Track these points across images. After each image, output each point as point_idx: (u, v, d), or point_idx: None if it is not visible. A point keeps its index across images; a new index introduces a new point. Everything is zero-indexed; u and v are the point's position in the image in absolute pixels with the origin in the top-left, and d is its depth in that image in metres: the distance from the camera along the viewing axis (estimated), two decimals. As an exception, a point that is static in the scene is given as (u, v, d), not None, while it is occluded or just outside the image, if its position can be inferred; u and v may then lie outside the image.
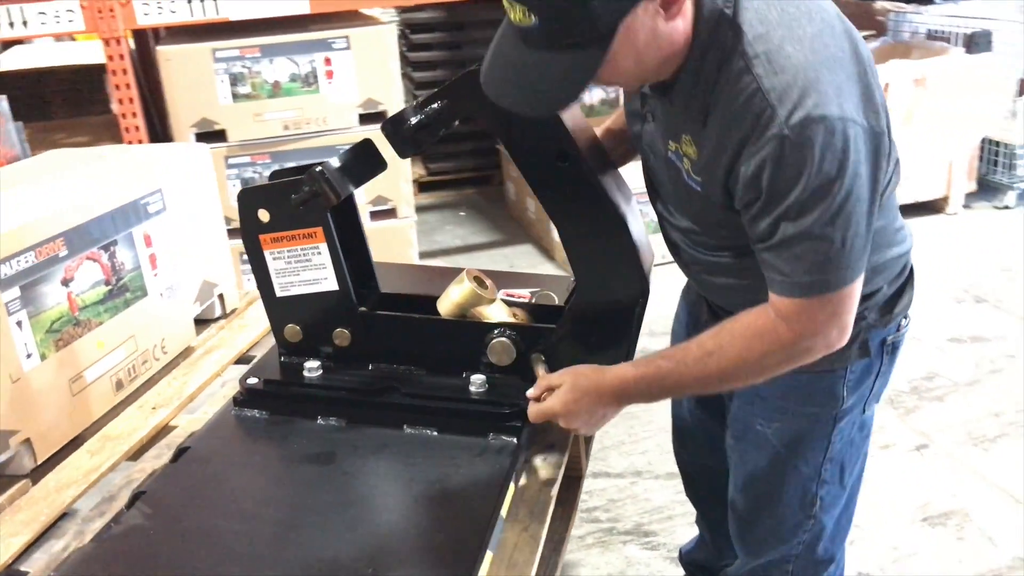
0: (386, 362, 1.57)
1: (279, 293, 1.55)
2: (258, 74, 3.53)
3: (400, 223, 3.94)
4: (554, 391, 1.39)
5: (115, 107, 3.53)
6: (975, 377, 3.09)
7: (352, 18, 3.88)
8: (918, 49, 4.74)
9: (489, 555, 1.20)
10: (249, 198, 1.50)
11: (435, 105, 1.40)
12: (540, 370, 1.46)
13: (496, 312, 1.55)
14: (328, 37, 3.59)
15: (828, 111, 1.11)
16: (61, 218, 1.59)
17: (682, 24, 1.16)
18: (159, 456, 1.57)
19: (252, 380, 1.55)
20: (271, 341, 2.00)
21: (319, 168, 1.43)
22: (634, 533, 2.45)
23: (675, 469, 1.97)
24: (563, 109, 1.36)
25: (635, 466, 2.72)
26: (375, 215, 3.89)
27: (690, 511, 2.20)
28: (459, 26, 5.34)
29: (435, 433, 1.47)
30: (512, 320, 1.55)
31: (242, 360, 1.96)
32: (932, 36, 5.02)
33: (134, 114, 3.41)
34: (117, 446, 1.61)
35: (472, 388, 1.49)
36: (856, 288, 1.22)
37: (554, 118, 1.39)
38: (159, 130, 3.76)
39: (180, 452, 1.44)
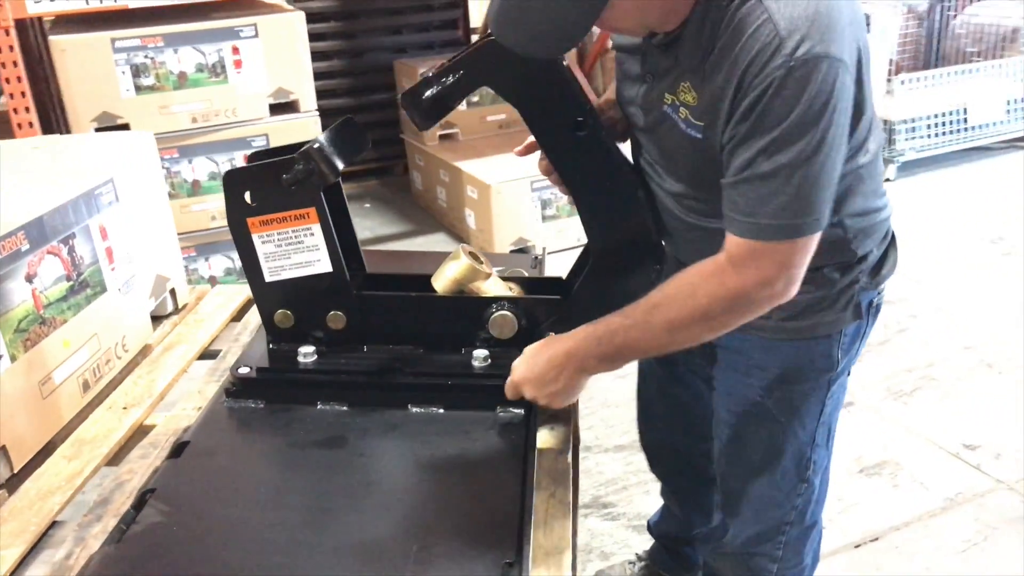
0: (382, 343, 1.54)
1: (268, 278, 1.49)
2: (162, 64, 3.38)
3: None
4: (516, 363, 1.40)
5: (4, 100, 3.31)
6: (885, 337, 3.29)
7: (257, 5, 3.76)
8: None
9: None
10: (236, 180, 1.44)
11: (451, 77, 1.39)
12: None
13: (492, 286, 1.55)
14: (235, 25, 3.47)
15: (830, 50, 1.14)
16: (19, 211, 1.49)
17: None
18: (145, 456, 1.49)
19: (244, 369, 1.50)
20: (232, 334, 1.95)
21: (316, 145, 1.39)
22: (593, 506, 2.49)
23: (622, 442, 2.02)
24: (562, 51, 1.36)
25: (584, 441, 2.76)
26: (289, 208, 3.79)
27: (644, 481, 2.27)
28: (353, 15, 5.26)
29: (441, 411, 1.46)
30: (510, 293, 1.55)
31: (206, 355, 1.89)
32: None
33: (27, 108, 3.21)
34: (95, 449, 1.52)
35: (475, 363, 1.49)
36: (812, 242, 1.23)
37: (572, 88, 1.40)
38: (56, 125, 3.54)
39: (180, 447, 1.38)
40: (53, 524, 1.36)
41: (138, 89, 3.37)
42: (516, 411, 1.44)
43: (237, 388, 1.49)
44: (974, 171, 5.11)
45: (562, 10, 1.16)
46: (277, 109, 3.65)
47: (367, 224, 4.89)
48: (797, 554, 1.67)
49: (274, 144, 3.56)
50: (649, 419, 1.92)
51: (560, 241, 4.28)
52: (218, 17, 3.48)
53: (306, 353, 1.51)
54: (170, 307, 2.02)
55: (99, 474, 1.50)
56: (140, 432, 1.60)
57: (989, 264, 3.89)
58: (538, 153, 1.54)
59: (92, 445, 1.54)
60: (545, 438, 1.45)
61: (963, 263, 3.90)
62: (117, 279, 1.75)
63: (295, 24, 3.60)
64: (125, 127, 3.34)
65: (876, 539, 2.30)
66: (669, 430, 1.87)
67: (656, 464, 1.99)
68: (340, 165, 1.42)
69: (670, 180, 1.45)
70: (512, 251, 4.24)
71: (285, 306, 1.51)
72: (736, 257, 1.24)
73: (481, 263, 1.54)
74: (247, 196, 1.44)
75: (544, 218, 4.25)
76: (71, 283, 1.60)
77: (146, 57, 3.35)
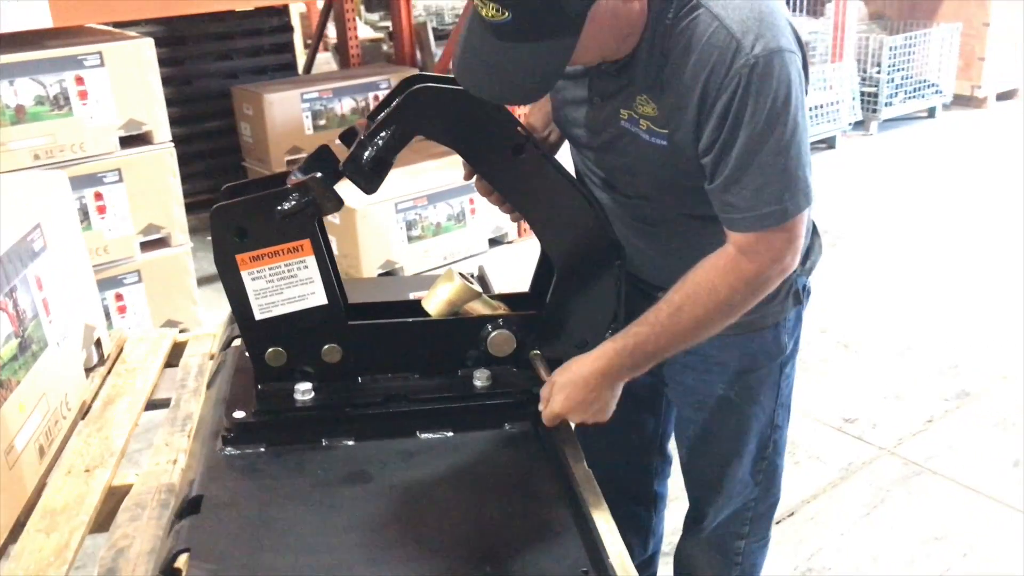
0: (377, 372, 1.51)
1: (259, 316, 1.43)
2: (-4, 98, 3.10)
3: (175, 252, 3.65)
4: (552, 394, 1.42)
5: None
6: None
7: (100, 33, 3.52)
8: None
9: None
10: (225, 216, 1.37)
11: (384, 134, 1.36)
12: (541, 370, 1.49)
13: (482, 306, 1.56)
14: (79, 54, 3.25)
15: (782, 44, 1.24)
16: (-36, 264, 1.35)
17: (638, 3, 1.25)
18: (135, 518, 1.39)
19: (239, 414, 1.42)
20: (175, 382, 1.84)
21: (318, 175, 1.35)
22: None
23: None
24: (539, 97, 1.41)
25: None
26: (145, 246, 3.57)
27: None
28: (181, 41, 5.01)
29: (451, 434, 1.45)
30: (499, 312, 1.56)
31: (153, 406, 1.77)
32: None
33: None
34: (72, 519, 1.40)
35: (477, 383, 1.49)
36: (807, 213, 1.32)
37: (504, 116, 1.43)
38: None
39: (193, 503, 1.29)
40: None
41: (-30, 126, 3.07)
42: (524, 425, 1.47)
43: (235, 434, 1.41)
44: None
45: (536, 58, 1.20)
46: (129, 141, 3.44)
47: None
48: (762, 527, 1.79)
49: (129, 179, 3.40)
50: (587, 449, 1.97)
51: (426, 262, 4.29)
52: (58, 45, 3.23)
53: (303, 390, 1.45)
54: (95, 358, 1.87)
55: (84, 545, 1.38)
56: (111, 494, 1.49)
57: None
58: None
59: (67, 515, 1.41)
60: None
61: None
62: (55, 333, 1.61)
63: (143, 51, 3.42)
64: (-43, 168, 3.03)
65: (792, 514, 2.49)
66: (608, 454, 1.93)
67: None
68: (342, 195, 1.38)
69: (624, 190, 1.50)
70: (380, 274, 4.20)
71: (278, 343, 1.45)
72: (746, 247, 1.32)
73: (472, 283, 1.54)
74: (238, 232, 1.37)
75: (410, 239, 4.24)
76: (19, 339, 1.46)
77: (-22, 90, 3.06)
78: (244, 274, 1.40)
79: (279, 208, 1.37)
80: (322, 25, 6.01)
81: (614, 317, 1.53)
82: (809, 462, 2.71)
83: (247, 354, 1.59)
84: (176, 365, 1.94)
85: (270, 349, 1.45)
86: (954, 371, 3.20)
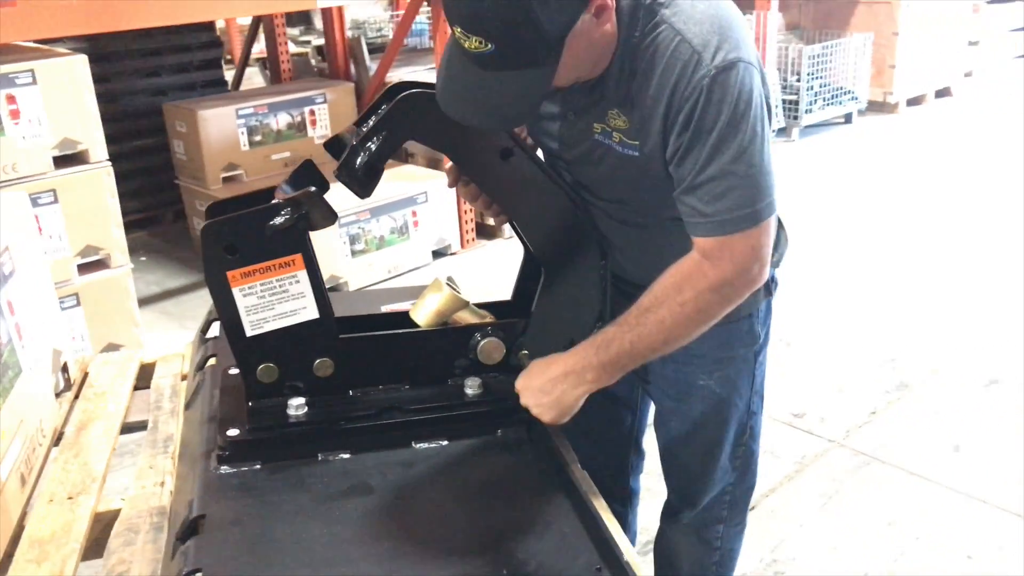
0: (368, 385, 1.51)
1: (250, 332, 1.42)
2: (-78, 119, 2.98)
3: (115, 273, 3.55)
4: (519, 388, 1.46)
5: None
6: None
7: (30, 51, 3.42)
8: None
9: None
10: (216, 233, 1.36)
11: (376, 139, 1.38)
12: None
13: (469, 315, 1.57)
14: (9, 72, 3.15)
15: (740, 55, 1.30)
16: (-57, 289, 1.31)
17: (610, 26, 1.30)
18: (130, 543, 1.37)
19: (233, 432, 1.41)
20: (148, 404, 1.80)
21: (312, 189, 1.36)
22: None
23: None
24: (524, 122, 1.45)
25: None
26: (83, 268, 3.47)
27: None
28: (106, 58, 4.88)
29: (446, 442, 1.47)
30: (486, 320, 1.58)
31: (127, 429, 1.73)
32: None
33: None
34: (62, 548, 1.37)
35: (469, 391, 1.51)
36: (772, 224, 1.36)
37: None
38: None
39: (193, 524, 1.27)
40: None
41: None
42: (517, 430, 1.49)
43: (230, 453, 1.40)
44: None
45: (519, 86, 1.24)
46: (63, 161, 3.34)
47: (151, 279, 4.56)
48: (739, 512, 1.85)
49: (64, 199, 3.30)
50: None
51: (370, 275, 4.28)
52: (-14, 63, 3.12)
53: (297, 405, 1.45)
54: (61, 383, 1.82)
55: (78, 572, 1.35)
56: (98, 520, 1.46)
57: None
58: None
59: (55, 543, 1.38)
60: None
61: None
62: (28, 358, 1.57)
63: (77, 68, 3.33)
64: None
65: (753, 508, 2.55)
66: (587, 451, 1.96)
67: None
68: (335, 209, 1.39)
69: (602, 195, 1.54)
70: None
71: (269, 359, 1.44)
72: (709, 252, 1.36)
73: (459, 292, 1.56)
74: (229, 248, 1.36)
75: (353, 253, 4.21)
76: (-3, 366, 1.42)
77: (-98, 111, 2.93)
78: (235, 291, 1.40)
79: (271, 223, 1.37)
80: (250, 40, 5.94)
81: (600, 316, 1.57)
82: (764, 457, 2.78)
83: (230, 372, 1.59)
84: (145, 387, 1.90)
85: (262, 365, 1.45)
86: (891, 365, 3.34)
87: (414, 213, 4.39)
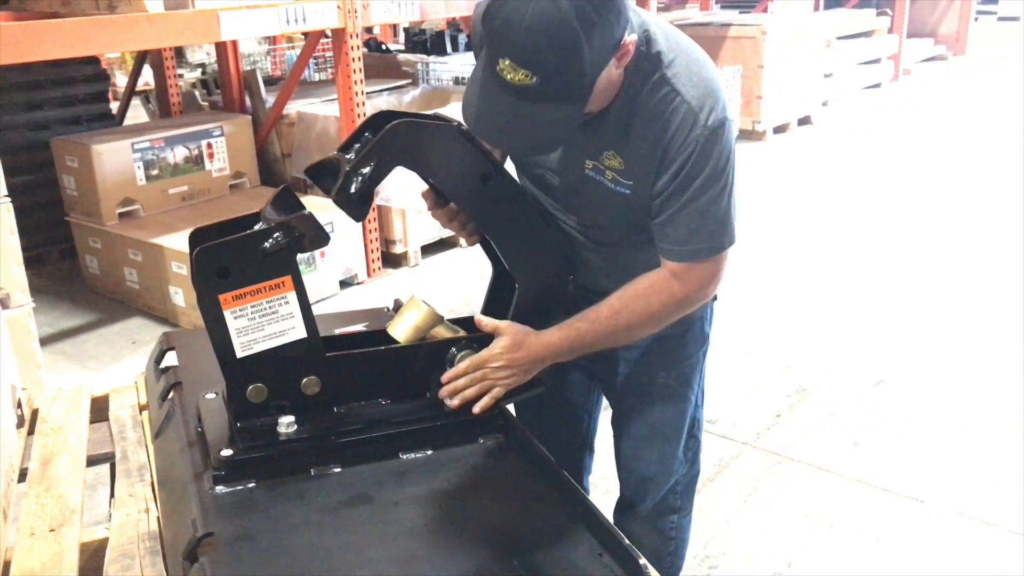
0: (353, 400, 1.57)
1: (240, 353, 1.45)
2: None
3: (15, 313, 3.41)
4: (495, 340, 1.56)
5: None
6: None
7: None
8: (455, 94, 5.48)
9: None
10: (210, 257, 1.39)
11: (368, 167, 1.45)
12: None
13: (445, 330, 1.65)
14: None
15: (726, 115, 1.49)
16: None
17: (620, 70, 1.45)
18: (128, 568, 1.37)
19: (227, 452, 1.44)
20: (110, 434, 1.79)
21: (307, 212, 1.41)
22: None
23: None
24: (555, 149, 1.58)
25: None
26: (-20, 308, 3.32)
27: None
28: (-16, 91, 4.69)
29: (431, 452, 1.54)
30: (460, 335, 1.66)
31: (93, 461, 1.71)
32: (458, 81, 5.83)
33: None
34: (56, 578, 1.35)
35: (448, 402, 1.58)
36: (729, 252, 1.58)
37: (475, 148, 1.56)
38: None
39: (198, 543, 1.29)
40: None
41: None
42: (496, 437, 1.58)
43: (226, 473, 1.42)
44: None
45: (550, 119, 1.36)
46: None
47: (42, 320, 4.35)
48: (689, 500, 1.99)
49: None
50: None
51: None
52: None
53: (287, 423, 1.49)
54: (15, 419, 1.78)
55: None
56: (83, 550, 1.45)
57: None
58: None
59: (48, 575, 1.36)
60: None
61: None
62: (-6, 391, 1.54)
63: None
64: None
65: (682, 509, 2.71)
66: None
67: None
68: (328, 231, 1.44)
69: (582, 220, 1.69)
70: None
71: (258, 379, 1.48)
72: (678, 274, 1.55)
73: (433, 308, 1.64)
74: (221, 272, 1.40)
75: (262, 286, 4.17)
76: (-23, 399, 1.40)
77: None
78: (227, 313, 1.43)
79: (263, 247, 1.41)
80: (136, 74, 5.80)
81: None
82: (712, 440, 2.96)
83: (206, 396, 1.61)
84: (98, 420, 1.88)
85: (251, 386, 1.48)
86: (788, 371, 3.59)
87: (321, 244, 4.39)
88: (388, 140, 1.45)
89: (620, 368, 1.85)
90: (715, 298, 1.82)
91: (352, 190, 1.42)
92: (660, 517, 1.95)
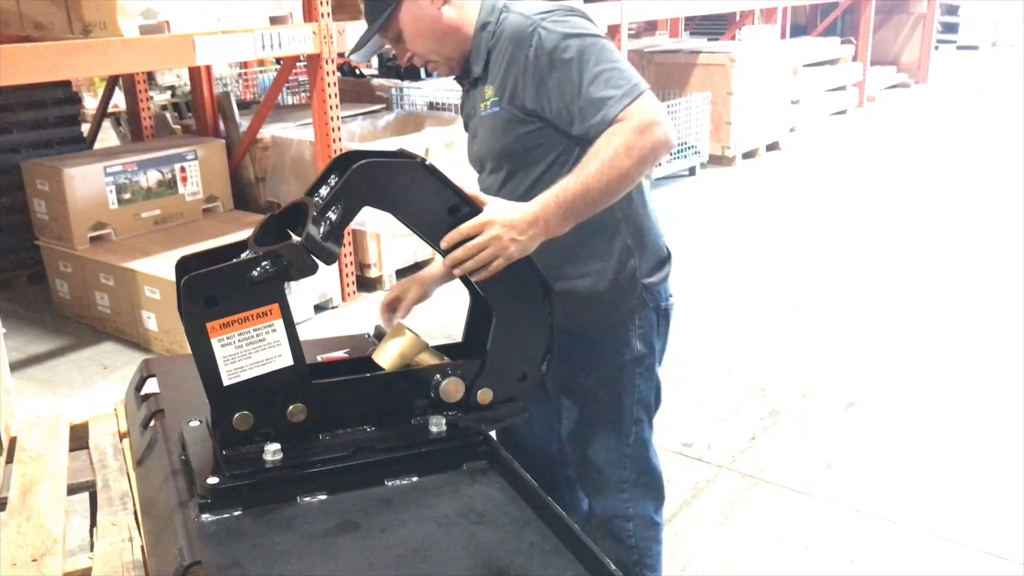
0: (338, 427, 1.57)
1: (227, 381, 1.45)
2: None
3: (-16, 339, 3.36)
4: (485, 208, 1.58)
5: None
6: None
7: None
8: (429, 119, 5.51)
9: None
10: (198, 286, 1.40)
11: (334, 210, 1.48)
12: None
13: (430, 356, 1.66)
14: None
15: (556, 7, 1.73)
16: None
17: (449, 15, 1.75)
18: (113, 598, 1.36)
19: (213, 480, 1.43)
20: (90, 463, 1.78)
21: (295, 241, 1.42)
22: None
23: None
24: (359, 54, 1.90)
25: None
26: (-51, 335, 3.27)
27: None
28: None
29: (416, 478, 1.54)
30: (444, 361, 1.67)
31: (75, 490, 1.70)
32: (432, 106, 5.87)
33: None
34: (40, 609, 1.34)
35: (434, 429, 1.59)
36: (651, 95, 1.64)
37: (440, 181, 1.57)
38: None
39: (185, 572, 1.28)
40: None
41: None
42: (480, 462, 1.59)
43: (212, 500, 1.42)
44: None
45: (368, 33, 1.83)
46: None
47: (11, 344, 4.30)
48: (645, 512, 2.02)
49: None
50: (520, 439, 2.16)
51: (253, 332, 4.22)
52: None
53: (273, 451, 1.48)
54: (-7, 448, 1.77)
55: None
56: (68, 581, 1.44)
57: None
58: None
59: (32, 606, 1.35)
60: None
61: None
62: (-25, 420, 1.53)
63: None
64: None
65: (660, 531, 2.73)
66: (541, 445, 2.13)
67: None
68: (318, 260, 1.45)
69: (496, 169, 1.84)
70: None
71: (244, 407, 1.48)
72: (625, 116, 1.61)
73: (418, 335, 1.65)
74: (209, 301, 1.40)
75: (236, 310, 4.15)
76: (-41, 428, 1.39)
77: None
78: (214, 341, 1.43)
79: (252, 275, 1.42)
80: (107, 97, 5.78)
81: (548, 348, 1.70)
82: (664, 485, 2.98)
83: (190, 424, 1.61)
84: (77, 448, 1.86)
85: (237, 414, 1.48)
86: (763, 393, 3.64)
87: (296, 268, 4.38)
88: (354, 182, 1.47)
89: (557, 367, 1.86)
90: (646, 304, 1.87)
91: (319, 236, 1.43)
92: (610, 519, 2.01)
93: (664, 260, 1.93)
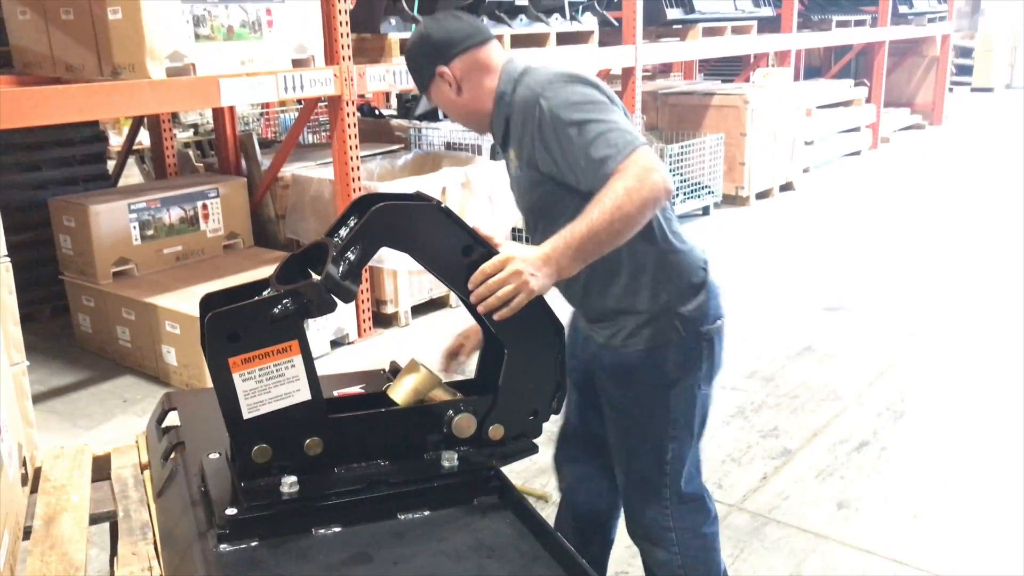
0: (352, 461, 1.62)
1: (247, 415, 1.51)
2: None
3: (11, 371, 3.43)
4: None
5: None
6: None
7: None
8: (447, 159, 5.61)
9: None
10: (221, 323, 1.46)
11: (354, 250, 1.56)
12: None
13: (443, 392, 1.71)
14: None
15: (567, 73, 1.84)
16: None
17: (468, 93, 1.91)
18: (133, 626, 1.40)
19: (231, 511, 1.48)
20: (112, 493, 1.83)
21: (315, 280, 1.49)
22: None
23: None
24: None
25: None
26: (-24, 367, 3.35)
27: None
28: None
29: (428, 512, 1.59)
30: (457, 397, 1.72)
31: (97, 519, 1.75)
32: (450, 147, 5.97)
33: None
34: (63, 635, 1.38)
35: (445, 464, 1.64)
36: (648, 149, 1.72)
37: (454, 223, 1.64)
38: None
39: (207, 599, 1.33)
40: None
41: None
42: (490, 497, 1.63)
43: (231, 531, 1.46)
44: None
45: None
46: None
47: (34, 377, 4.37)
48: (688, 524, 2.06)
49: None
50: (567, 443, 2.26)
51: (270, 367, 4.28)
52: None
53: (290, 483, 1.53)
54: (20, 477, 1.82)
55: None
56: (89, 609, 1.48)
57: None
58: None
59: (55, 632, 1.39)
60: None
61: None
62: (3, 451, 1.58)
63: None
64: None
65: (669, 571, 2.74)
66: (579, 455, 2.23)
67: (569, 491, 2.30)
68: (336, 298, 1.51)
69: (541, 225, 1.93)
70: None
71: (264, 440, 1.53)
72: (622, 168, 1.70)
73: (432, 371, 1.70)
74: (231, 337, 1.47)
75: (254, 345, 4.22)
76: (-10, 458, 1.45)
77: None
78: (235, 376, 1.49)
79: (272, 312, 1.48)
80: (133, 135, 5.92)
81: (558, 385, 1.75)
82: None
83: (211, 456, 1.66)
84: (99, 479, 1.92)
85: (256, 446, 1.53)
86: (774, 433, 3.66)
87: (313, 304, 4.45)
88: (372, 223, 1.54)
89: (597, 383, 2.03)
90: (697, 336, 1.93)
91: (339, 276, 1.50)
92: (650, 531, 2.06)
93: (699, 287, 1.98)
